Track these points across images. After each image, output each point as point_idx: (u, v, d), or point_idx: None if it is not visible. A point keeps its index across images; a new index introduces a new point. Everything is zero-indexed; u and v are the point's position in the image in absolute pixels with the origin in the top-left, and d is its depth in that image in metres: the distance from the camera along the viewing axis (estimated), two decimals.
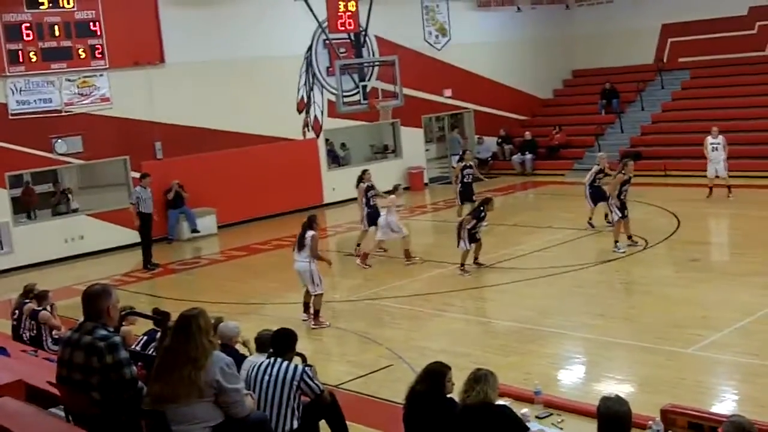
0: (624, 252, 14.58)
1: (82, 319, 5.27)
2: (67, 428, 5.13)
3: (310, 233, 11.89)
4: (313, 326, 11.81)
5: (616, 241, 14.79)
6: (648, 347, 9.87)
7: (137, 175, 18.18)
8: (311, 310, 12.05)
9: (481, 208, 14.38)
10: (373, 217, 16.06)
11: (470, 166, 18.65)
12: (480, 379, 5.43)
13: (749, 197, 18.81)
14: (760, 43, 25.22)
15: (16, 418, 4.86)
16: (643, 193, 18.69)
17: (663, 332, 10.31)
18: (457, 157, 22.29)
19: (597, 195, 16.71)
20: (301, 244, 11.90)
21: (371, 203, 16.28)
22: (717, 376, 9.19)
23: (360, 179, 16.58)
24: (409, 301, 13.02)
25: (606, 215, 16.79)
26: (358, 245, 16.33)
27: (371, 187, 16.42)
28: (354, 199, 17.99)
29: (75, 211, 20.24)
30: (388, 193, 16.23)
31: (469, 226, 14.07)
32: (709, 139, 19.12)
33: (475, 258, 14.46)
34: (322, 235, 18.25)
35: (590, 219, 16.87)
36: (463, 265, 14.17)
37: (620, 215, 14.82)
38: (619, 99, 26.54)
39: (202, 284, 15.94)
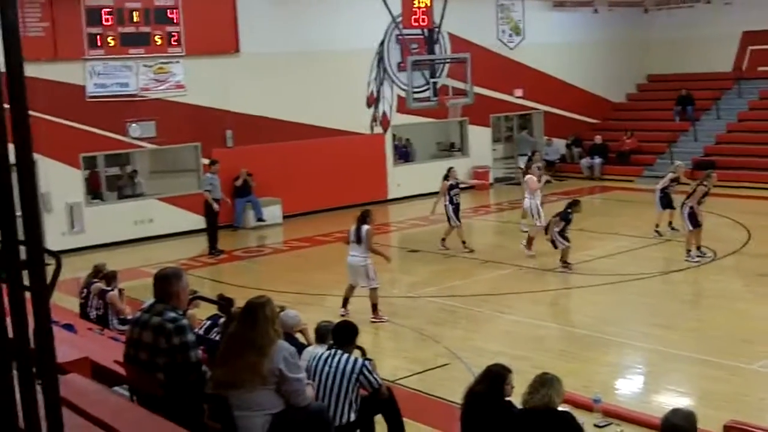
0: (698, 262, 14.35)
1: (148, 300, 5.39)
2: (131, 407, 5.24)
3: (365, 228, 11.93)
4: (372, 320, 11.86)
5: (689, 251, 14.54)
6: (711, 361, 9.66)
7: (206, 161, 18.48)
8: (349, 305, 12.13)
9: (569, 210, 14.35)
10: (456, 212, 16.30)
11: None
12: (546, 382, 5.39)
13: None
14: None
15: (82, 395, 4.98)
16: (715, 204, 18.21)
17: (728, 346, 10.08)
18: (524, 158, 22.07)
19: (666, 202, 16.50)
20: (358, 240, 11.94)
21: (455, 201, 16.34)
22: None
23: (446, 176, 16.63)
24: (469, 301, 12.96)
25: (670, 222, 16.53)
26: (450, 240, 16.50)
27: (455, 185, 16.44)
28: (422, 195, 17.89)
29: (141, 195, 20.57)
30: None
31: (557, 229, 14.13)
32: None
33: (563, 258, 14.40)
34: (385, 230, 18.32)
35: (657, 227, 16.60)
36: (566, 262, 14.25)
37: (692, 226, 14.53)
38: (694, 106, 25.93)
39: (265, 273, 16.15)
